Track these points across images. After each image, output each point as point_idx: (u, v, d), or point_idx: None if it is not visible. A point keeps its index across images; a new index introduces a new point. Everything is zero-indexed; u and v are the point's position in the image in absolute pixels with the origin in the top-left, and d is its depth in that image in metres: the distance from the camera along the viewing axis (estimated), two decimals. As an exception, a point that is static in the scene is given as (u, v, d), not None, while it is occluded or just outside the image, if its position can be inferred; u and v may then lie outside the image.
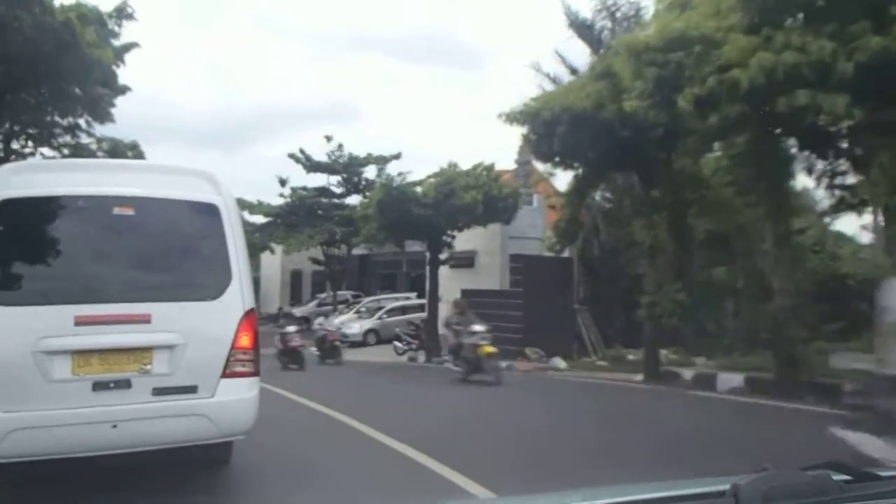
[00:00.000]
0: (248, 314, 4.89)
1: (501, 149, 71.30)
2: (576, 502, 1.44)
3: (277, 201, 32.66)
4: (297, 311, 33.76)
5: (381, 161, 32.53)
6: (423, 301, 28.85)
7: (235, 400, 4.80)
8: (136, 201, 4.80)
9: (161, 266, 4.96)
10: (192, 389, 4.67)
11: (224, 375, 4.76)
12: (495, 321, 17.96)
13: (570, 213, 14.03)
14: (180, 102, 74.98)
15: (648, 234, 12.65)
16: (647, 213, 12.88)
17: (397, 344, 23.09)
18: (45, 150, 16.72)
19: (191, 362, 4.66)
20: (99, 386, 4.43)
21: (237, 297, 4.87)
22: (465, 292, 20.60)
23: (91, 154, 16.66)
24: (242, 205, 31.64)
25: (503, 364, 17.37)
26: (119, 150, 16.82)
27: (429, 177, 19.57)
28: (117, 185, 4.88)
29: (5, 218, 4.55)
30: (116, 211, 4.74)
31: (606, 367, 17.42)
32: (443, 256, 20.92)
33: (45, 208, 4.73)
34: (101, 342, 4.48)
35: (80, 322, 4.42)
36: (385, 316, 27.39)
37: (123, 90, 16.35)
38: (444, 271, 25.08)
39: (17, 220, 4.62)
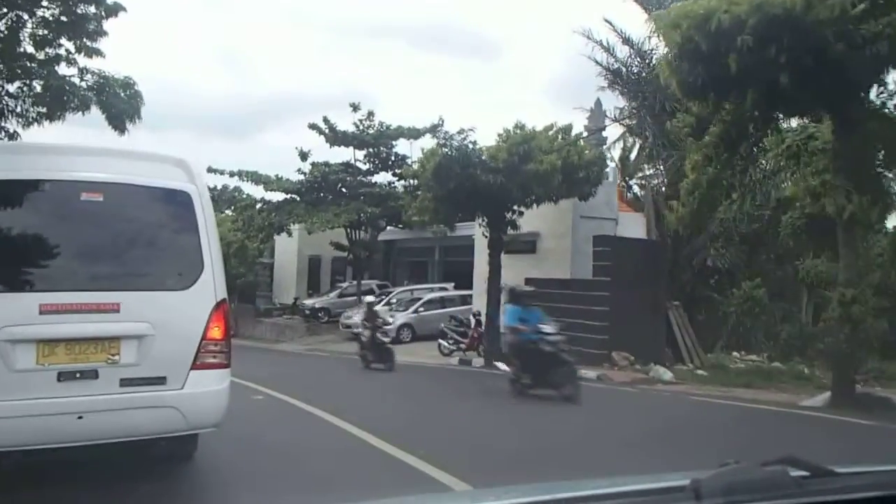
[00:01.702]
0: (220, 305, 4.82)
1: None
2: (539, 495, 1.40)
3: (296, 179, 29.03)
4: (316, 303, 30.18)
5: (415, 133, 28.79)
6: (464, 292, 25.33)
7: (205, 392, 4.72)
8: (105, 187, 4.67)
9: (130, 254, 4.85)
10: (161, 381, 4.60)
11: (194, 367, 4.68)
12: (569, 317, 14.47)
13: (716, 174, 10.19)
14: (193, 89, 73.06)
15: (847, 201, 8.84)
16: (846, 170, 9.07)
17: (443, 343, 19.41)
18: (13, 87, 13.01)
19: (160, 353, 4.58)
20: (65, 376, 4.36)
21: (209, 288, 4.79)
22: (529, 281, 16.84)
23: (72, 90, 12.93)
24: (259, 180, 28.00)
25: (592, 374, 13.76)
26: (108, 87, 13.08)
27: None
28: (86, 170, 4.71)
29: None
30: (85, 196, 4.63)
31: (711, 379, 13.73)
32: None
33: (9, 192, 4.53)
34: (67, 331, 4.39)
35: (46, 310, 4.33)
36: (422, 309, 23.63)
37: (115, 10, 12.60)
38: (484, 256, 21.35)
39: None
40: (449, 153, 14.66)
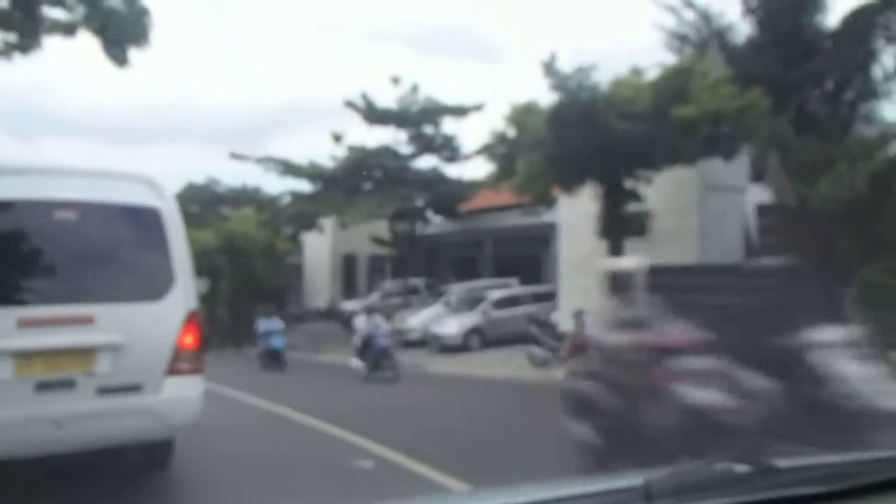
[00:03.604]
0: (192, 315, 5.05)
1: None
2: (491, 501, 1.41)
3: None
4: (357, 306, 26.48)
5: (460, 112, 25.17)
6: (535, 289, 21.62)
7: (180, 397, 4.92)
8: (77, 206, 4.85)
9: (103, 269, 4.97)
10: (137, 388, 4.79)
11: (169, 374, 4.87)
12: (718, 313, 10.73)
13: None
14: (199, 99, 71.81)
15: None
16: None
17: (535, 351, 15.67)
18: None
19: (135, 361, 4.76)
20: (42, 387, 4.49)
21: (179, 299, 5.02)
22: (658, 271, 13.11)
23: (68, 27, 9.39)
24: (289, 168, 24.43)
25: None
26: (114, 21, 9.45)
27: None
28: (59, 190, 4.87)
29: None
30: (58, 215, 4.80)
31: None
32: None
33: None
34: (44, 343, 4.52)
35: (24, 324, 4.47)
36: (491, 309, 19.88)
37: None
38: (581, 242, 17.62)
39: None
40: (577, 96, 10.94)
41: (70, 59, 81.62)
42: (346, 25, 76.90)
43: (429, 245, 28.86)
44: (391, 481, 6.05)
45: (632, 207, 14.15)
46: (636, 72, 12.61)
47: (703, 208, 14.72)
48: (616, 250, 12.92)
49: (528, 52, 77.07)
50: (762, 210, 12.31)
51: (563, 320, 18.08)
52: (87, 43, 9.72)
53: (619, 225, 12.90)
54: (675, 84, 10.53)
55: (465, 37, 63.51)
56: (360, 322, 16.42)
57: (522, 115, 12.74)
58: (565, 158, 11.17)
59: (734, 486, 1.30)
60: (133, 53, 9.73)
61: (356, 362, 15.62)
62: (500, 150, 13.86)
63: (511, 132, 13.72)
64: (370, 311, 16.89)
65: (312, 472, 6.46)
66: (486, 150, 14.17)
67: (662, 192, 14.56)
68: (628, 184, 12.96)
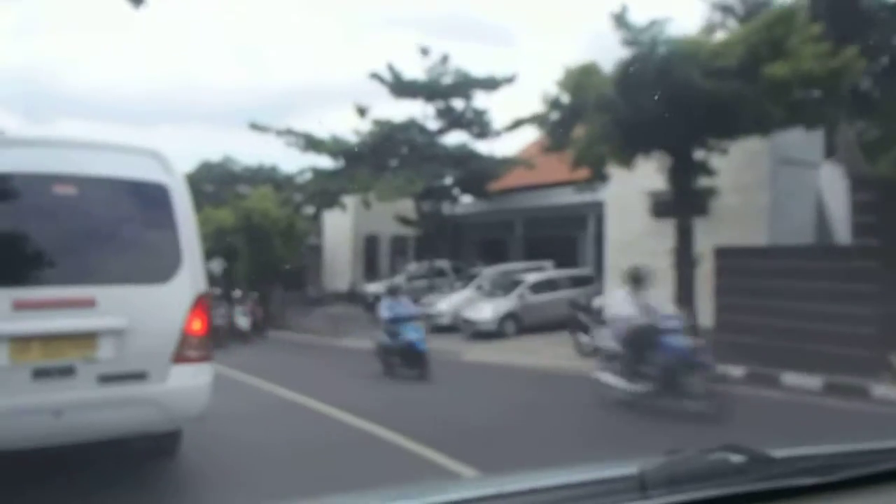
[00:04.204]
0: (200, 298, 4.77)
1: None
2: (483, 489, 1.32)
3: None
4: (381, 289, 25.26)
5: (491, 84, 23.77)
6: (572, 272, 20.31)
7: (187, 386, 4.66)
8: (77, 180, 4.60)
9: (106, 248, 4.71)
10: (141, 376, 4.53)
11: (175, 361, 4.62)
12: (803, 301, 9.64)
13: None
14: (208, 82, 71.39)
15: None
16: None
17: (583, 339, 14.37)
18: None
19: (139, 347, 4.50)
20: (40, 374, 4.24)
21: (187, 281, 4.74)
22: (723, 252, 11.80)
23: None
24: (312, 142, 23.14)
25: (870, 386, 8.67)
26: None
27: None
28: (58, 164, 4.59)
29: None
30: (57, 190, 4.54)
31: None
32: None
33: None
34: (41, 327, 4.26)
35: (20, 306, 4.21)
36: (528, 293, 18.57)
37: None
38: (630, 221, 16.25)
39: None
40: (643, 53, 9.54)
41: (82, 42, 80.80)
42: (356, 8, 75.68)
43: (455, 225, 27.54)
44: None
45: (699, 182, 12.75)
46: (708, 28, 11.19)
47: (776, 184, 13.29)
48: (684, 231, 11.55)
49: (539, 36, 75.31)
50: (857, 184, 10.87)
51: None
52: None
53: (690, 202, 11.50)
54: (771, 36, 9.09)
55: (476, 20, 62.10)
56: (385, 307, 12.57)
57: (581, 77, 11.34)
58: (635, 122, 9.78)
59: (729, 475, 1.28)
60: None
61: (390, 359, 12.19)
62: (554, 118, 12.47)
63: (565, 98, 12.34)
64: (393, 291, 13.11)
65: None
66: (537, 119, 12.76)
67: (728, 165, 13.14)
68: (698, 155, 11.54)
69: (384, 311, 12.51)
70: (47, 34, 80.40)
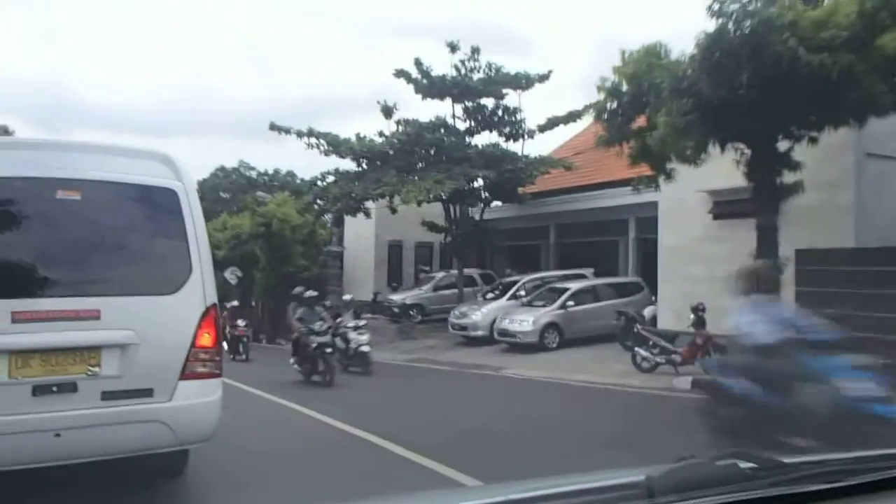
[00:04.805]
0: (210, 310, 4.52)
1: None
2: (488, 497, 1.35)
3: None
4: (406, 298, 23.99)
5: (525, 81, 22.50)
6: (625, 280, 18.93)
7: (196, 404, 4.42)
8: (82, 185, 4.34)
9: (111, 257, 4.50)
10: (146, 393, 4.28)
11: (183, 377, 4.37)
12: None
13: None
14: (224, 92, 71.73)
15: None
16: None
17: (640, 352, 13.03)
18: None
19: (145, 363, 4.26)
20: (40, 390, 4.02)
21: (197, 292, 4.49)
22: (802, 254, 10.44)
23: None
24: (335, 143, 21.96)
25: None
26: None
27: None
28: (62, 167, 4.35)
29: None
30: (60, 195, 4.28)
31: None
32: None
33: None
34: (42, 341, 4.05)
35: (19, 319, 3.99)
36: (571, 303, 17.19)
37: None
38: (688, 225, 14.90)
39: None
40: (735, 23, 8.22)
41: (100, 53, 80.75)
42: (372, 18, 75.07)
43: (483, 231, 26.20)
44: None
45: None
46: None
47: (862, 180, 11.89)
48: (768, 231, 10.17)
49: (557, 45, 74.22)
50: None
51: (663, 316, 15.42)
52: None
53: (776, 199, 10.13)
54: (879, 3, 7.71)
55: (494, 29, 60.99)
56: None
57: (649, 59, 10.05)
58: (722, 107, 8.44)
59: (737, 482, 1.26)
60: None
61: None
62: (611, 107, 11.15)
63: (624, 86, 11.05)
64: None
65: None
66: (594, 107, 11.44)
67: (807, 159, 11.76)
68: (782, 146, 10.18)
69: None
70: (66, 46, 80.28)
